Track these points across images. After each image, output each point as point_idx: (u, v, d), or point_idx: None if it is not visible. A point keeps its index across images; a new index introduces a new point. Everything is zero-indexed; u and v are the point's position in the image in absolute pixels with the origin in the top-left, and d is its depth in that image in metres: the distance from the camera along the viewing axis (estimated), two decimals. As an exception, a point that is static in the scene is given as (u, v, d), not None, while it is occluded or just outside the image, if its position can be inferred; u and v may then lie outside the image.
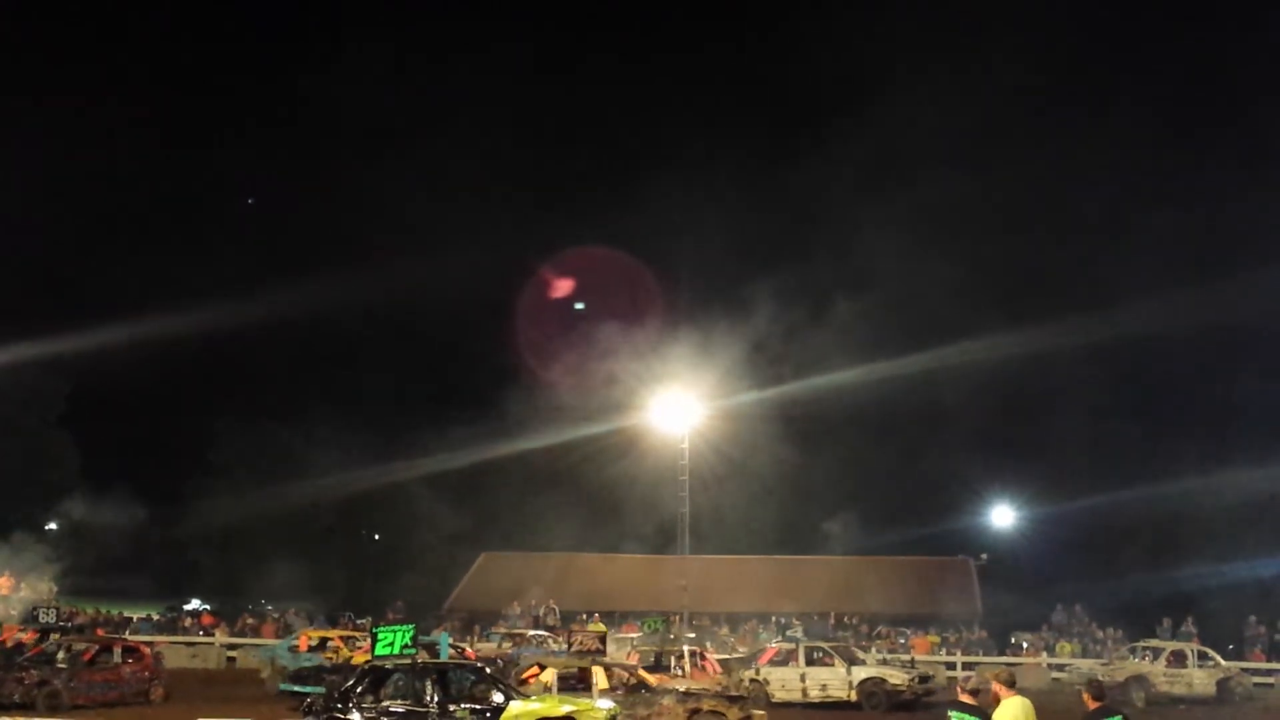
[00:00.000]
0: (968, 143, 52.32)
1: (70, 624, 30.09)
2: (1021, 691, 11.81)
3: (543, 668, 21.27)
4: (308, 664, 26.88)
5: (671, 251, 49.57)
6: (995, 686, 11.66)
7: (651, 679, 21.90)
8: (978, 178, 49.16)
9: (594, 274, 49.70)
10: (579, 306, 50.08)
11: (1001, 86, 51.16)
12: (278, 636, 36.82)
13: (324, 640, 28.71)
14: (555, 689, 19.61)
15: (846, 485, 45.28)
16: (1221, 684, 29.66)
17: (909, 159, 51.40)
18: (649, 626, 31.30)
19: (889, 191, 49.06)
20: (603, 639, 23.02)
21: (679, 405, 35.39)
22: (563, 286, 50.55)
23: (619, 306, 47.45)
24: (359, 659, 23.73)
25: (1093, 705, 11.49)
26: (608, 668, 21.23)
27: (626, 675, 21.54)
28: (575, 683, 20.53)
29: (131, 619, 39.57)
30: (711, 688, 22.00)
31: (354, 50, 65.32)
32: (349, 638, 29.15)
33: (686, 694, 20.74)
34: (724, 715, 19.59)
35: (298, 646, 28.62)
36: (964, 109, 50.78)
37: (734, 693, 22.22)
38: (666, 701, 19.83)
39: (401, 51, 67.62)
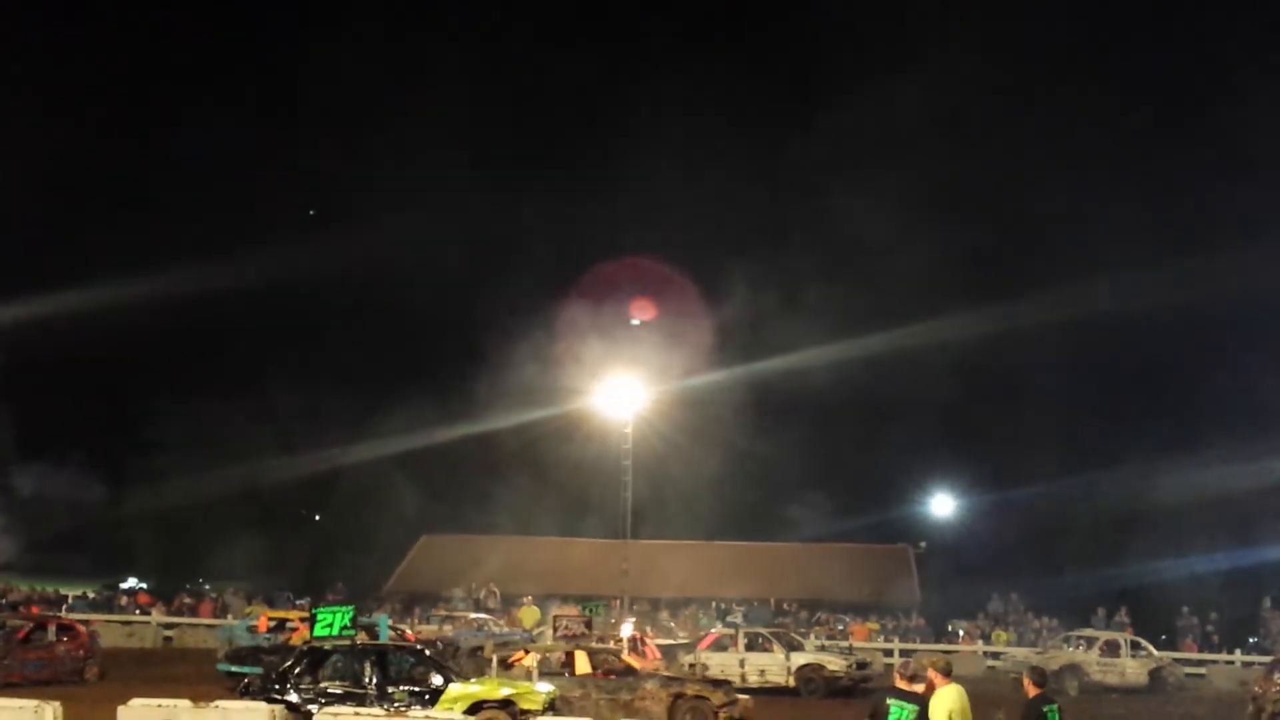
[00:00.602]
0: (929, 129, 52.18)
1: (4, 601, 29.77)
2: (957, 679, 11.92)
3: (528, 652, 21.40)
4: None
5: (634, 236, 49.64)
6: (931, 674, 11.74)
7: (636, 663, 21.89)
8: (936, 164, 49.15)
9: (560, 255, 49.70)
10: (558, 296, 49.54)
11: (971, 73, 50.89)
12: (215, 616, 36.59)
13: (283, 622, 28.54)
14: (537, 673, 19.68)
15: (788, 472, 45.43)
16: (1154, 674, 30.04)
17: (871, 145, 51.30)
18: (589, 611, 31.35)
19: (847, 179, 49.01)
20: (589, 624, 23.06)
21: (624, 389, 35.44)
22: (530, 271, 50.49)
23: (580, 288, 47.50)
24: (296, 640, 23.63)
25: (1033, 691, 11.60)
26: (592, 652, 21.34)
27: (611, 659, 21.59)
28: (561, 666, 20.62)
29: (67, 597, 39.13)
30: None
31: (321, 19, 64.53)
32: (304, 618, 28.96)
33: (670, 678, 20.88)
34: (708, 699, 19.65)
35: (256, 627, 28.48)
36: (934, 95, 50.31)
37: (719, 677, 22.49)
38: (650, 686, 19.89)
39: (370, 22, 66.70)
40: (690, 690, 19.92)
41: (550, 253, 50.03)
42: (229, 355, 54.37)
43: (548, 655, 20.96)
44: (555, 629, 22.07)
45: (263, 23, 69.67)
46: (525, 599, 36.63)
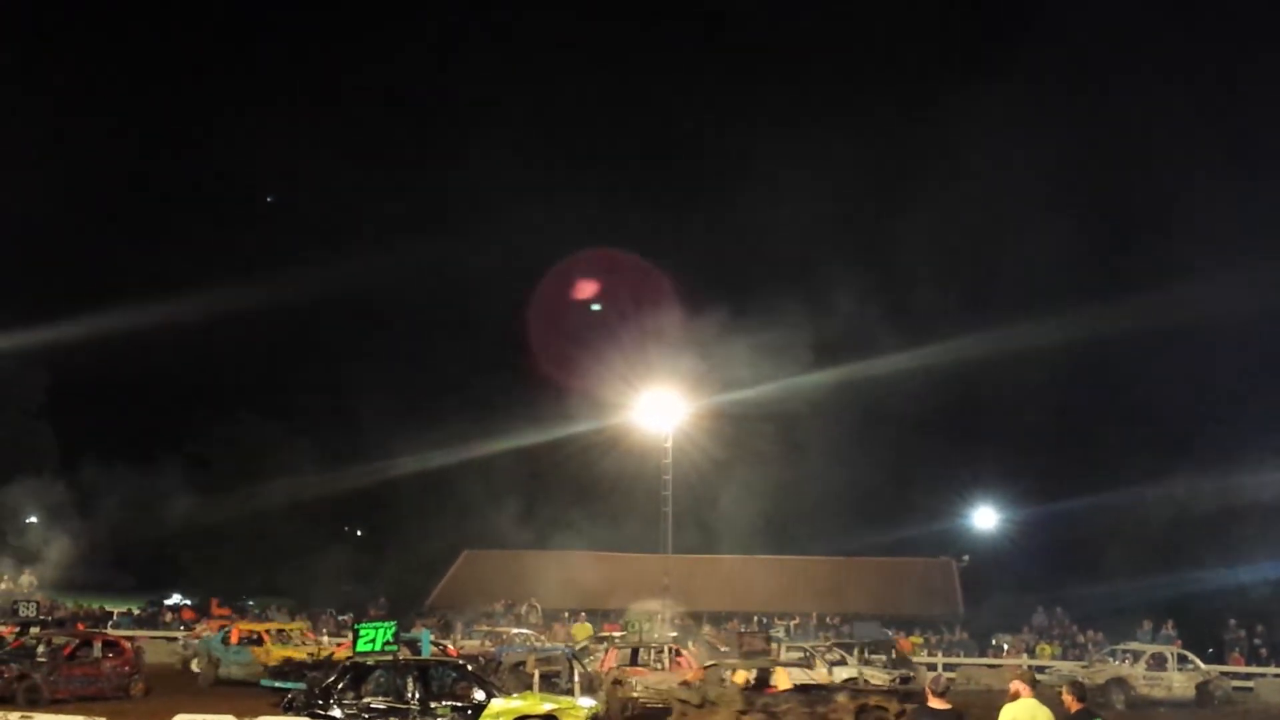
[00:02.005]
0: (965, 139, 51.89)
1: (50, 618, 29.98)
2: (999, 693, 11.82)
3: (704, 668, 22.60)
4: (237, 658, 27.88)
5: (672, 250, 49.71)
6: (1015, 685, 11.74)
7: (823, 678, 23.17)
8: (978, 171, 48.79)
9: (596, 272, 49.81)
10: (595, 308, 49.88)
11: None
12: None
13: (259, 635, 28.98)
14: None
15: (831, 485, 45.21)
16: (1201, 687, 29.71)
17: (913, 157, 51.25)
18: (632, 626, 31.31)
19: (890, 191, 48.99)
20: (767, 639, 23.83)
21: (664, 403, 35.45)
22: (568, 283, 50.59)
23: (616, 305, 47.62)
24: (340, 655, 23.75)
25: (1075, 707, 11.55)
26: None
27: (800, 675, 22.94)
28: (755, 683, 21.55)
29: (112, 613, 39.39)
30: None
31: (358, 28, 64.94)
32: (279, 631, 29.50)
33: (856, 690, 21.96)
34: (886, 709, 20.57)
35: (229, 639, 28.79)
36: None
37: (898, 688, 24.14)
38: (840, 699, 20.86)
39: (418, 30, 67.00)
40: (873, 701, 21.02)
41: (592, 266, 50.19)
42: (271, 372, 54.83)
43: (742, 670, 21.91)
44: (741, 645, 22.91)
45: (265, 21, 70.39)
46: (579, 615, 36.74)
